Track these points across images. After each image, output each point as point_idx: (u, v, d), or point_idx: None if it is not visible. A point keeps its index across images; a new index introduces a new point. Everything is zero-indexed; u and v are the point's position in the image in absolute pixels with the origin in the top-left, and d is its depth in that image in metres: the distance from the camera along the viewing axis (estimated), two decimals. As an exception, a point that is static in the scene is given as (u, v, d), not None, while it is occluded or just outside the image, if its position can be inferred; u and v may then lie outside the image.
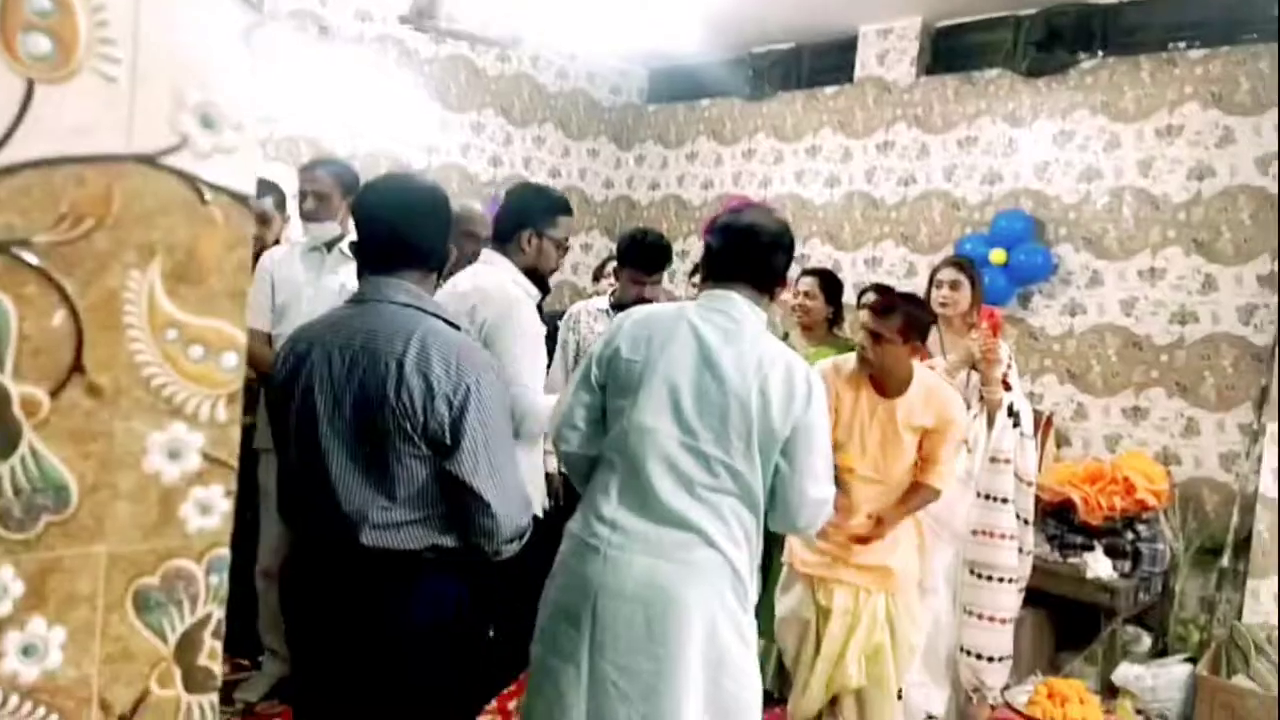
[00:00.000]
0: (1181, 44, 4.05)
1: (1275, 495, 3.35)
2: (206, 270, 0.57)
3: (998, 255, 4.25)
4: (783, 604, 2.71)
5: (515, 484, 1.62)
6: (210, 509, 0.59)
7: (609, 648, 1.68)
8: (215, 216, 0.57)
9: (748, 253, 1.78)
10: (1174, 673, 3.31)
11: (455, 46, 5.23)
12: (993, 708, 3.04)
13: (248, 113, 0.57)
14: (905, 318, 2.47)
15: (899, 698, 2.62)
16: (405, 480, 1.56)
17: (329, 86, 4.73)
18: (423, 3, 3.48)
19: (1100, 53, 4.23)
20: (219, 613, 0.61)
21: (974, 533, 3.00)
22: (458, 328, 1.66)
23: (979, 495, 3.01)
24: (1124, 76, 4.13)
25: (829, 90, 5.18)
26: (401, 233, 1.64)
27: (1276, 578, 3.30)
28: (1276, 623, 3.30)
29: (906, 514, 2.54)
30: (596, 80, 5.95)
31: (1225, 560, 3.55)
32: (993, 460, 3.00)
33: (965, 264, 3.22)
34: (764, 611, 3.32)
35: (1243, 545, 3.48)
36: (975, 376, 2.99)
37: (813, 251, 5.22)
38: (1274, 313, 3.61)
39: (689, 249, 5.78)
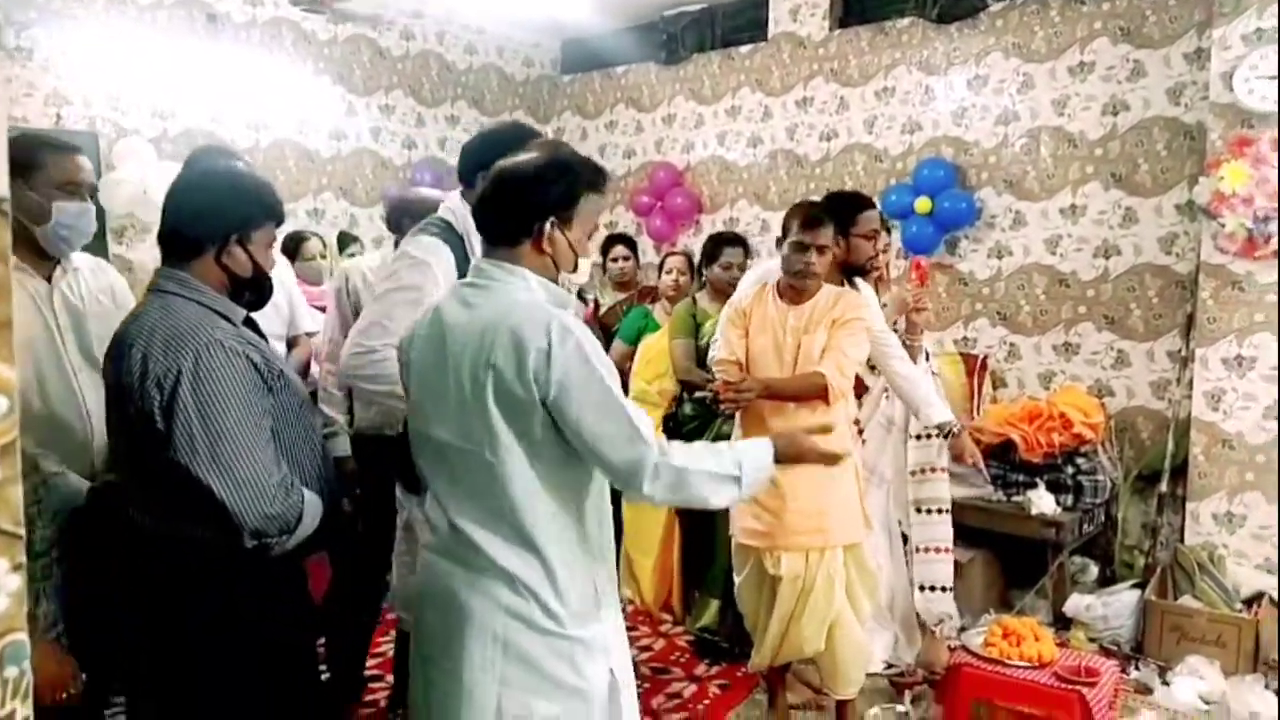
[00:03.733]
0: (1087, -20, 4.07)
1: (1208, 419, 3.42)
2: (-51, 297, 0.46)
3: (923, 204, 4.24)
4: (739, 577, 2.70)
5: (250, 469, 1.51)
6: (-6, 589, 0.48)
7: (423, 656, 1.58)
8: (-44, 228, 0.46)
9: (481, 213, 1.57)
10: (1123, 599, 3.38)
11: (356, 27, 4.99)
12: (950, 650, 3.06)
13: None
14: (835, 221, 2.60)
15: None
16: (150, 466, 1.54)
17: (223, 77, 4.47)
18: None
19: (1009, -6, 4.22)
20: (24, 711, 0.50)
21: (913, 472, 3.14)
22: (237, 322, 1.63)
23: (915, 436, 3.15)
24: (1034, 17, 4.13)
25: (744, 49, 5.10)
26: (165, 222, 1.66)
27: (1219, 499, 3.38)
28: (1218, 543, 3.39)
29: (788, 386, 2.47)
30: (507, 54, 5.75)
31: (1163, 486, 3.63)
32: None
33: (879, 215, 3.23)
34: (715, 570, 3.33)
35: (1179, 470, 3.56)
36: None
37: (741, 214, 5.16)
38: (1194, 240, 3.67)
39: (616, 219, 5.67)
